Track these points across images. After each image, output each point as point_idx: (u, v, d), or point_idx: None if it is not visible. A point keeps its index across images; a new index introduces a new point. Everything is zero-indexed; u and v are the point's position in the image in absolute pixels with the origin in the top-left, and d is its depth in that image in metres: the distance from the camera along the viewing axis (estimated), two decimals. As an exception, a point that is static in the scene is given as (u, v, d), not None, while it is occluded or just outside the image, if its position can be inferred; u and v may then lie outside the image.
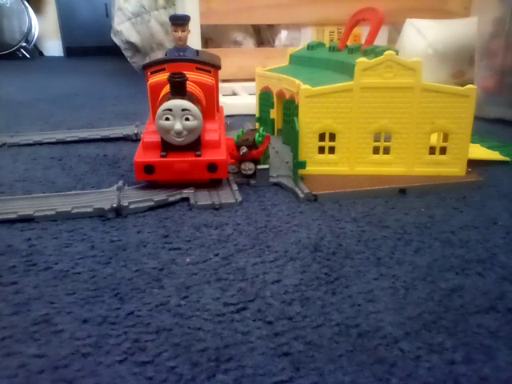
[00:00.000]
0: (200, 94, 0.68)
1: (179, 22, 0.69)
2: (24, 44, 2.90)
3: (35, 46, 3.04)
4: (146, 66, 0.70)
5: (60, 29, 3.05)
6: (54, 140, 0.93)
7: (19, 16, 2.86)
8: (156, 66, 0.70)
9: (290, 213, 0.60)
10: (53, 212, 0.58)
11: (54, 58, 3.00)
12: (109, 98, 1.48)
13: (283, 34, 1.45)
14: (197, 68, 0.70)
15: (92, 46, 3.02)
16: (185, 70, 0.66)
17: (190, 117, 0.62)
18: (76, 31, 3.02)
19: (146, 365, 0.34)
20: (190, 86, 0.66)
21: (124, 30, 1.83)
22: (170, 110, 0.61)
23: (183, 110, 0.61)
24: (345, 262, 0.48)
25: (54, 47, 3.14)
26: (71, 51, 3.09)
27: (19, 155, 0.86)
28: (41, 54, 3.14)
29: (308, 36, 1.40)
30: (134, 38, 1.83)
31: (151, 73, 0.70)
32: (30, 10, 2.90)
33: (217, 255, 0.50)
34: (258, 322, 0.39)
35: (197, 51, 0.74)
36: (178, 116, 0.61)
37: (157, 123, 0.62)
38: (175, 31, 0.69)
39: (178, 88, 0.62)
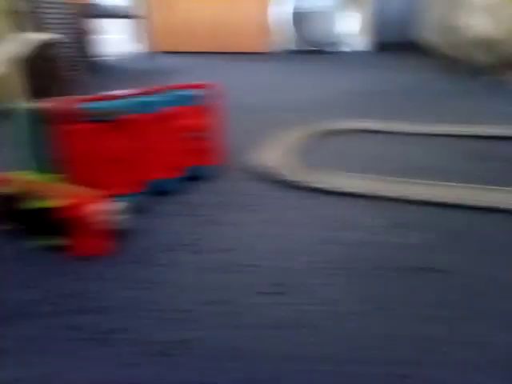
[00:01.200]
0: None
1: None
2: (336, 40, 3.17)
3: (344, 41, 3.26)
4: None
5: (372, 25, 3.17)
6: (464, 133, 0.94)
7: (342, 14, 3.12)
8: None
9: None
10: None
11: (362, 53, 3.13)
12: (446, 95, 1.49)
13: None
14: None
15: (399, 41, 3.01)
16: None
17: None
18: (387, 27, 3.09)
19: None
20: None
21: (476, 23, 1.69)
22: None
23: None
24: None
25: (362, 42, 3.29)
26: (379, 46, 3.17)
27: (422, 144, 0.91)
28: (345, 49, 3.32)
29: None
30: (490, 32, 1.63)
31: None
32: (345, 8, 3.14)
33: None
34: None
35: None
36: None
37: None
38: None
39: None
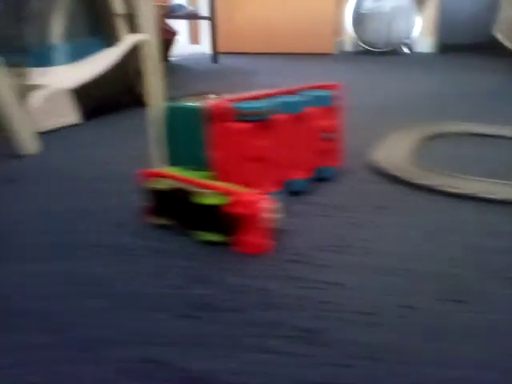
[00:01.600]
0: None
1: None
2: (399, 41, 3.15)
3: (407, 43, 3.23)
4: None
5: (437, 26, 3.15)
6: None
7: (405, 16, 3.10)
8: None
9: None
10: None
11: (427, 55, 3.09)
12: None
13: None
14: None
15: (467, 42, 3.00)
16: None
17: None
18: (452, 28, 3.07)
19: None
20: None
21: None
22: None
23: None
24: None
25: (425, 44, 3.27)
26: (444, 48, 3.15)
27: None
28: (408, 50, 3.29)
29: None
30: None
31: None
32: (414, 9, 3.09)
33: None
34: None
35: None
36: None
37: None
38: None
39: None
